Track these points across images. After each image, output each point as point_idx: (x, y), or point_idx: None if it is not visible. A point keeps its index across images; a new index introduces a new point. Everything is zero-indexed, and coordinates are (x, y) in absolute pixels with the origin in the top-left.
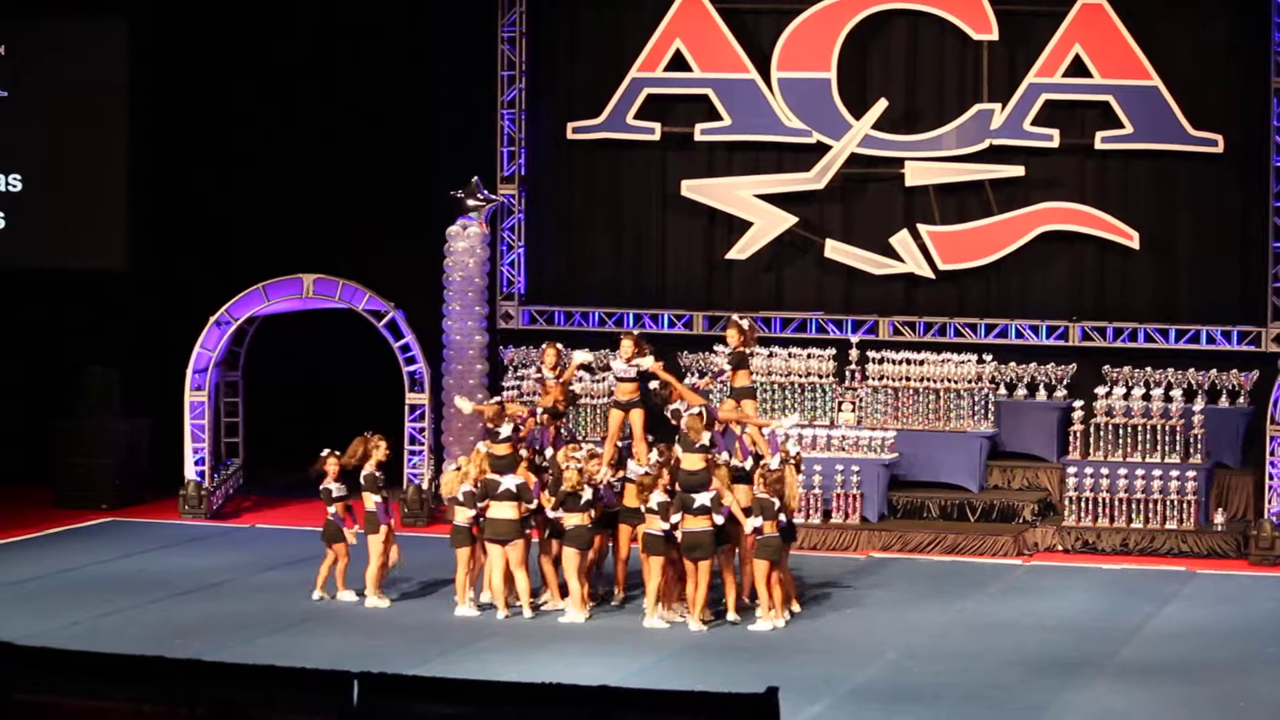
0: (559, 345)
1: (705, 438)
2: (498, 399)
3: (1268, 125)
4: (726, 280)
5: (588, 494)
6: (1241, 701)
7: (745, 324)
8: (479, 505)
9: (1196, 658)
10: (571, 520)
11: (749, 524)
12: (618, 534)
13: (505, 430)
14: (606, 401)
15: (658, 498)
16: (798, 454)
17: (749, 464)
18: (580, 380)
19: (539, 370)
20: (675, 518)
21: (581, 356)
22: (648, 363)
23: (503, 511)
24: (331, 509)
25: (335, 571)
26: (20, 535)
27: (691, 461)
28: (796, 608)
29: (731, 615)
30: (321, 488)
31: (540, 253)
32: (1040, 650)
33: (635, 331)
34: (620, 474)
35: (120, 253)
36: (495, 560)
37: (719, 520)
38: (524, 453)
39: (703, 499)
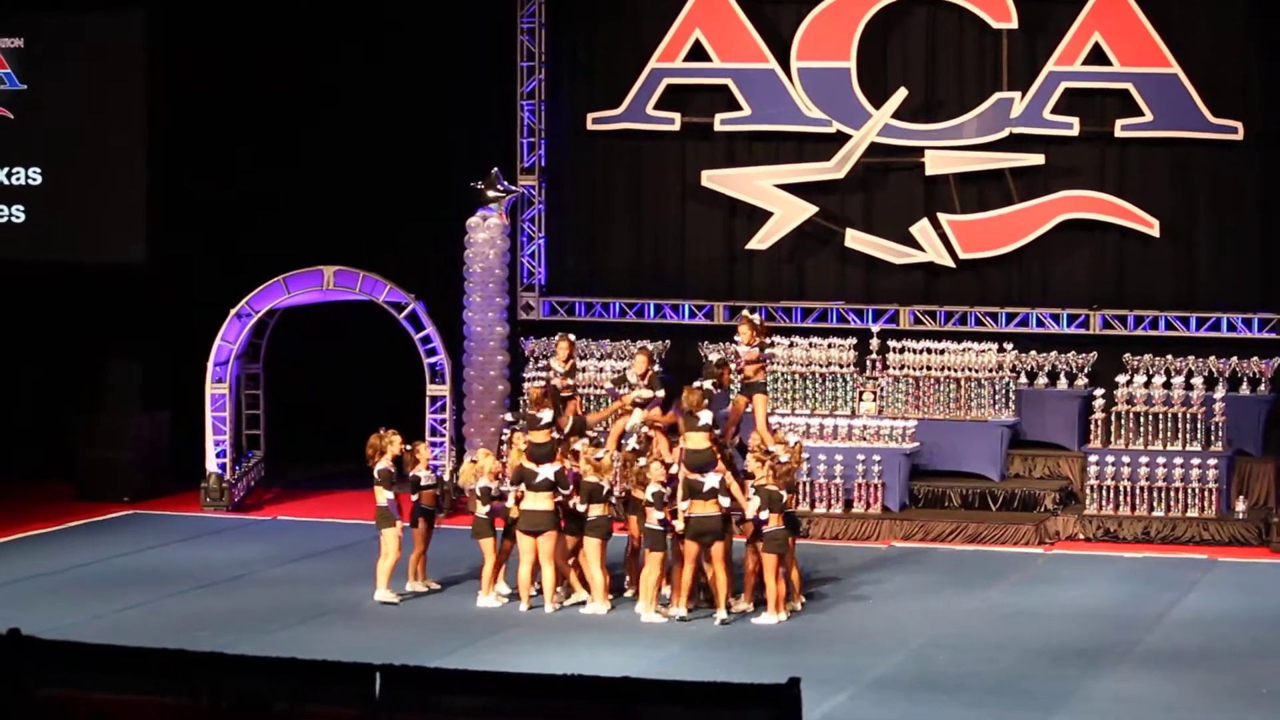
0: (571, 337)
1: (707, 416)
2: (541, 384)
3: None
4: (747, 270)
5: (606, 485)
6: (1264, 689)
7: (756, 319)
8: (514, 492)
9: (1218, 646)
10: (594, 511)
11: (750, 508)
12: (629, 525)
13: (545, 416)
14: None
15: (654, 489)
16: (798, 443)
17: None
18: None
19: (549, 366)
20: (683, 504)
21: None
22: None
23: (538, 502)
24: (494, 504)
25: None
26: (42, 529)
27: (696, 440)
28: (797, 605)
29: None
30: (410, 475)
31: (560, 244)
32: (1062, 639)
33: (650, 348)
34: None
35: (140, 246)
36: (525, 552)
37: (725, 503)
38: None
39: (711, 481)
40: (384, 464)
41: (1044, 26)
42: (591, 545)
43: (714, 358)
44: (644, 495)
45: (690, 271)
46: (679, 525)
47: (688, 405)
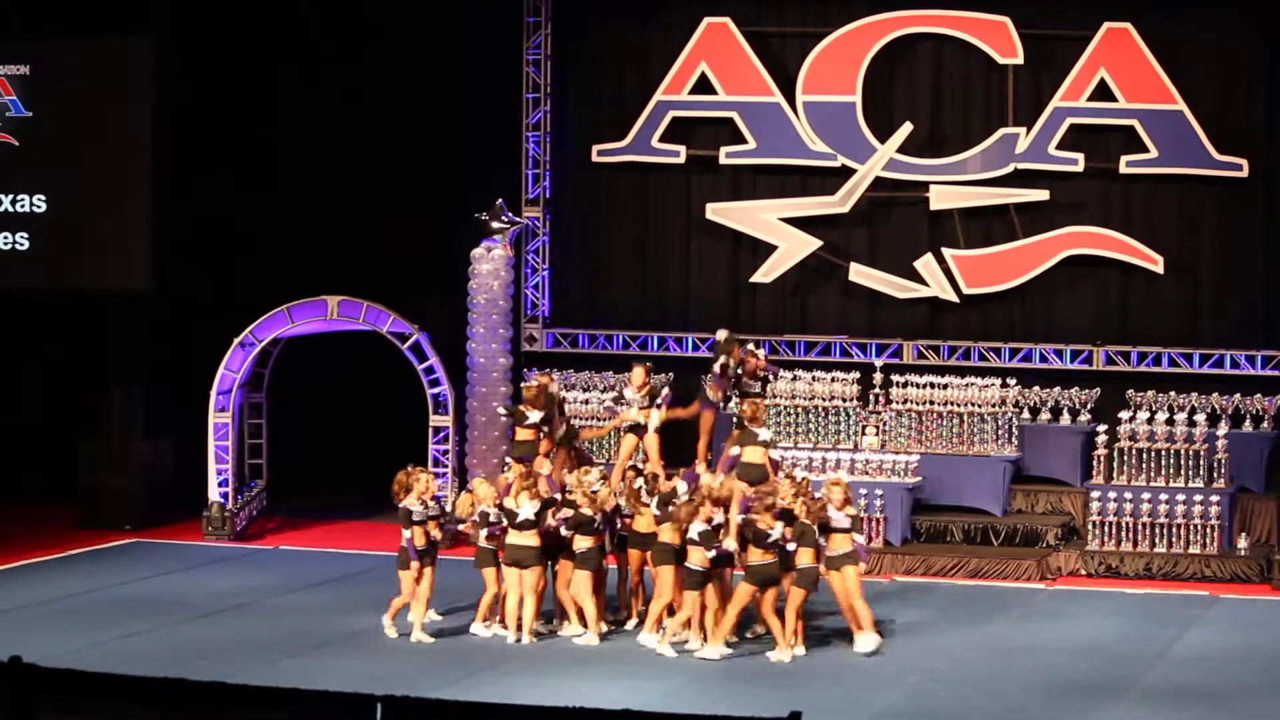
0: (540, 383)
1: (765, 432)
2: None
3: None
4: (751, 304)
5: (404, 504)
6: None
7: (756, 352)
8: (492, 527)
9: (1219, 682)
10: (582, 543)
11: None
12: (627, 558)
13: (533, 416)
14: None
15: (698, 528)
16: (804, 480)
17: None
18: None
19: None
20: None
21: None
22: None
23: (522, 537)
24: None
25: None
26: (43, 556)
27: (753, 454)
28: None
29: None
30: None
31: (564, 275)
32: (1063, 674)
33: (648, 362)
34: (631, 499)
35: (144, 273)
36: (512, 584)
37: (790, 548)
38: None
39: (775, 534)
40: (407, 502)
41: (1050, 62)
42: (581, 578)
43: (722, 334)
44: (654, 528)
45: (694, 304)
46: (730, 546)
47: (750, 420)
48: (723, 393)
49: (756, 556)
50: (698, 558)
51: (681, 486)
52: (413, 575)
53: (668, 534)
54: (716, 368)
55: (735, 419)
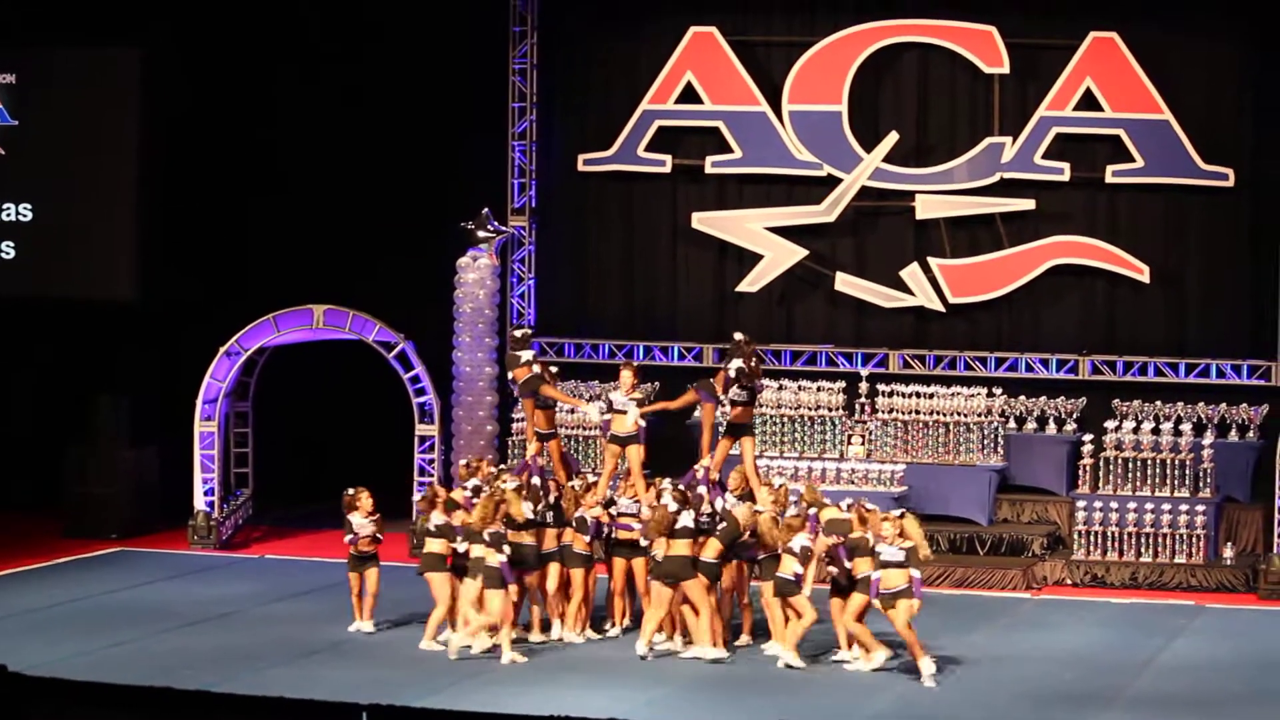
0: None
1: (833, 511)
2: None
3: (1278, 159)
4: (737, 313)
5: (494, 529)
6: None
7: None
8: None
9: (1206, 691)
10: (475, 551)
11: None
12: (612, 567)
13: (470, 484)
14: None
15: (801, 541)
16: (782, 485)
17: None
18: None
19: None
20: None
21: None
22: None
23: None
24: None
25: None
26: (29, 565)
27: (833, 511)
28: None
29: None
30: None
31: (550, 284)
32: (1049, 684)
33: (635, 363)
34: (613, 509)
35: (130, 282)
36: (463, 592)
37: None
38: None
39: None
40: (498, 526)
41: (1036, 71)
42: (469, 586)
43: (739, 335)
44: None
45: (680, 313)
46: (805, 593)
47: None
48: (725, 392)
49: (865, 567)
50: (791, 566)
51: (703, 490)
52: (503, 595)
53: (682, 548)
54: (732, 370)
55: (724, 425)
